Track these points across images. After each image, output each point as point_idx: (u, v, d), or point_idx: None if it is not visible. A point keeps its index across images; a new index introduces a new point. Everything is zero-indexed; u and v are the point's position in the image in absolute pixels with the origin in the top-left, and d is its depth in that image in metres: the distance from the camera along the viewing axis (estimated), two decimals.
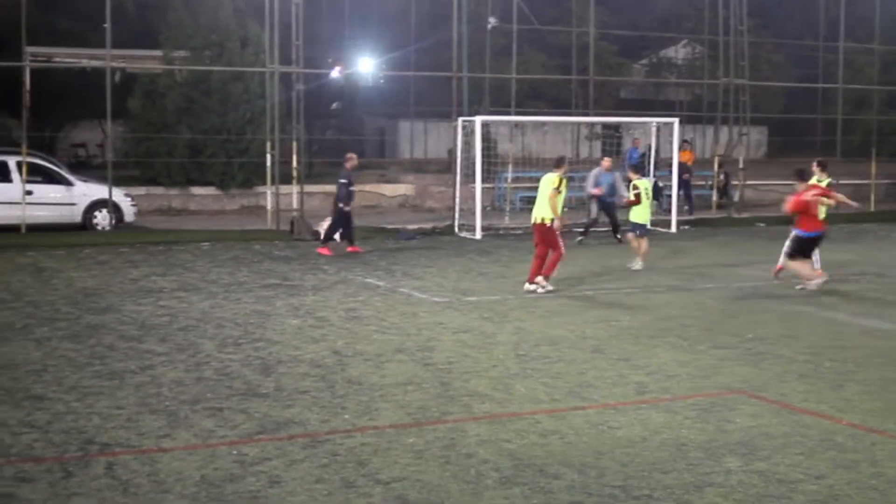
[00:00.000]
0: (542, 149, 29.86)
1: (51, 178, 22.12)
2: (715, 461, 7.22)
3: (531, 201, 15.58)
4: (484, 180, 23.10)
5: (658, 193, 23.67)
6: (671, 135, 24.82)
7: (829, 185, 15.38)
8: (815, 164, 15.74)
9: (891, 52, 32.99)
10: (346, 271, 16.78)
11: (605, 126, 31.33)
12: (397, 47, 34.68)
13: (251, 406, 8.53)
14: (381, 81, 38.70)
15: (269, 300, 13.85)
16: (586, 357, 10.52)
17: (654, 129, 25.28)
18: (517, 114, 28.40)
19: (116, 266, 17.28)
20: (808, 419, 8.33)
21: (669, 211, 23.91)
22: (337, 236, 19.55)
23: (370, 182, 29.07)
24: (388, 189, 29.95)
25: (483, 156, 22.62)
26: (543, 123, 32.19)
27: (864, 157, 29.88)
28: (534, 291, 14.43)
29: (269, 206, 23.26)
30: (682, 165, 25.49)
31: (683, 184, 25.97)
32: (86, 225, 22.07)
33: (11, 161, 21.59)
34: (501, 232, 23.01)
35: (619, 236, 21.01)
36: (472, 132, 22.69)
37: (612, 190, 20.81)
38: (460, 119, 23.53)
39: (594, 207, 21.34)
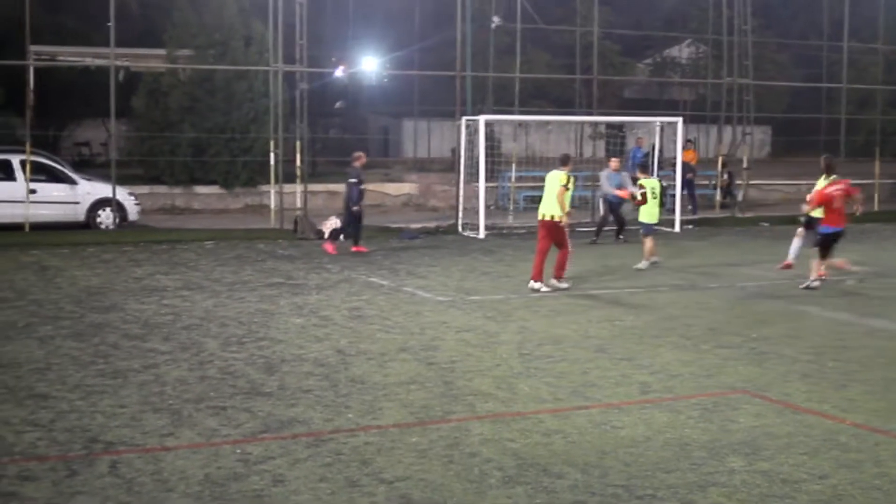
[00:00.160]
0: (546, 148, 29.82)
1: (54, 177, 22.15)
2: (718, 461, 7.22)
3: (535, 200, 15.64)
4: (487, 179, 23.10)
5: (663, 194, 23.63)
6: (675, 134, 24.81)
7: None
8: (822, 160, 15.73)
9: (895, 52, 32.96)
10: (350, 270, 16.78)
11: (609, 125, 31.24)
12: (401, 46, 34.64)
13: (255, 405, 8.53)
14: (385, 80, 38.64)
15: (272, 299, 13.85)
16: (590, 356, 10.52)
17: (657, 129, 25.25)
18: (521, 113, 28.35)
19: (120, 265, 17.29)
20: (812, 419, 8.32)
21: (673, 211, 23.88)
22: (342, 236, 19.52)
23: (374, 181, 29.06)
24: (392, 188, 29.97)
25: (487, 155, 22.63)
26: (547, 123, 32.16)
27: (868, 156, 29.89)
28: (538, 290, 14.46)
29: (272, 205, 23.28)
30: (685, 165, 25.48)
31: (687, 183, 25.95)
32: (89, 224, 22.10)
33: (15, 159, 21.64)
34: (505, 231, 23.01)
35: (621, 236, 21.02)
36: (476, 131, 22.68)
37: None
38: (464, 118, 23.52)
39: (603, 207, 21.31)
